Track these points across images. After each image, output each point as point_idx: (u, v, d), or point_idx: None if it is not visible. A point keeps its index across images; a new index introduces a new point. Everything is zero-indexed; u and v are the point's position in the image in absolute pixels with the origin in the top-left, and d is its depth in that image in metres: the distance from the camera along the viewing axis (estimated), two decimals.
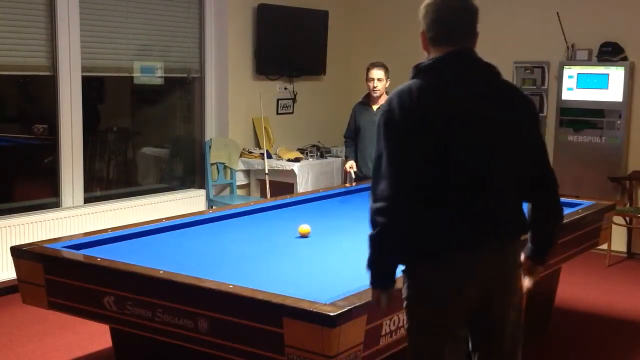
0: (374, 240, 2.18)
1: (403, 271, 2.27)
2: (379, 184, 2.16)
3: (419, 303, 2.25)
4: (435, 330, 2.25)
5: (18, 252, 3.28)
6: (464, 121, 2.17)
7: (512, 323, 2.35)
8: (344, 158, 5.99)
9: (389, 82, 5.47)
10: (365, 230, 2.21)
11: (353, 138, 5.73)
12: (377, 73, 5.45)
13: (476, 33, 2.28)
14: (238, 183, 6.67)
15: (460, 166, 2.16)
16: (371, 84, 5.48)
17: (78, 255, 3.24)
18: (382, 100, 5.30)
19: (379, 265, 2.21)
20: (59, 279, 3.16)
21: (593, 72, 6.25)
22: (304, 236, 3.71)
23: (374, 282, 2.24)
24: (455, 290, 2.21)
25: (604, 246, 5.50)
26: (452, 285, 2.20)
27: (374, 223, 2.17)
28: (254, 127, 6.79)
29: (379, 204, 2.15)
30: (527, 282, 2.45)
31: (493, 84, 2.27)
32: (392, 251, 2.19)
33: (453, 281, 2.20)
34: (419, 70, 2.23)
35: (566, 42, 6.40)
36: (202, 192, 6.37)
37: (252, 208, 4.34)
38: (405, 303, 2.28)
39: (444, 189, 2.17)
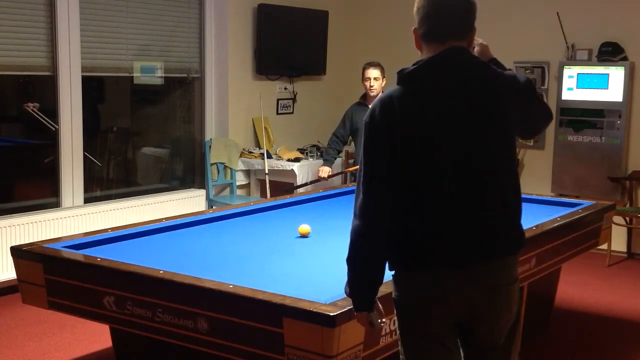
0: (349, 263, 2.14)
1: (392, 275, 2.21)
2: (357, 198, 2.11)
3: (404, 308, 2.19)
4: (420, 336, 2.17)
5: (18, 252, 3.28)
6: (447, 131, 2.08)
7: (503, 343, 2.23)
8: (322, 159, 5.97)
9: (385, 81, 5.47)
10: None
11: (340, 140, 5.76)
12: (373, 72, 5.46)
13: (472, 29, 2.17)
14: (238, 183, 6.67)
15: (446, 180, 2.07)
16: (368, 84, 5.49)
17: (78, 255, 3.24)
18: None
19: (357, 289, 2.16)
20: (59, 279, 3.16)
21: (593, 72, 6.25)
22: (304, 236, 3.71)
23: (355, 305, 2.19)
24: (439, 303, 2.12)
25: (604, 246, 5.50)
26: (435, 299, 2.12)
27: (350, 243, 2.12)
28: (254, 127, 6.79)
29: (355, 222, 2.10)
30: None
31: (481, 85, 2.13)
32: (369, 274, 2.13)
33: (437, 296, 2.12)
34: (402, 77, 2.13)
35: (566, 42, 6.40)
36: (202, 192, 6.37)
37: (252, 208, 4.34)
38: (393, 304, 2.22)
39: (427, 202, 2.09)
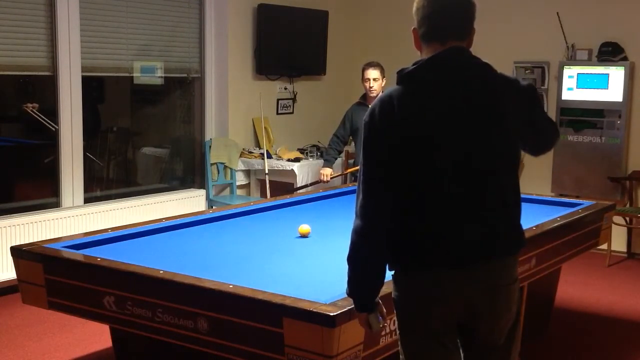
0: (350, 263, 2.14)
1: (392, 274, 2.21)
2: (358, 198, 2.12)
3: (404, 308, 2.18)
4: (420, 336, 2.17)
5: (18, 252, 3.28)
6: (446, 131, 2.07)
7: (503, 343, 2.23)
8: (323, 160, 5.98)
9: (385, 81, 5.47)
10: None
11: (341, 140, 5.76)
12: (373, 73, 5.45)
13: (472, 30, 2.17)
14: (238, 183, 6.67)
15: (446, 180, 2.07)
16: (367, 84, 5.49)
17: (78, 255, 3.24)
18: None
19: (357, 289, 2.16)
20: (59, 279, 3.16)
21: (593, 72, 6.25)
22: (304, 236, 3.71)
23: (356, 306, 2.19)
24: (439, 303, 2.12)
25: (604, 246, 5.50)
26: (435, 299, 2.12)
27: (350, 243, 2.12)
28: (254, 127, 6.79)
29: (356, 222, 2.11)
30: None
31: (481, 85, 2.13)
32: (369, 274, 2.14)
33: (437, 296, 2.12)
34: (402, 77, 2.13)
35: (566, 42, 6.40)
36: (202, 192, 6.37)
37: (252, 208, 4.34)
38: (393, 304, 2.22)
39: (427, 202, 2.09)
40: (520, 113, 2.18)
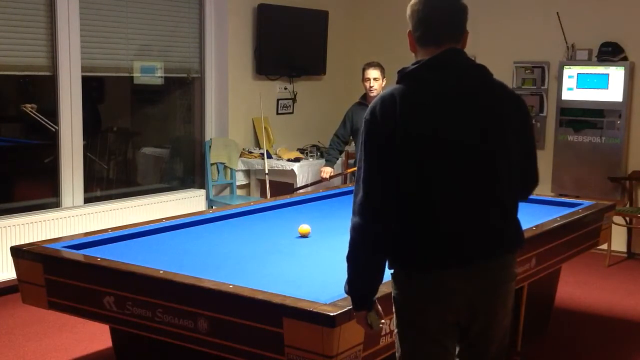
0: (349, 261, 2.14)
1: (391, 273, 2.21)
2: (356, 195, 2.12)
3: (403, 306, 2.19)
4: (418, 334, 2.17)
5: (18, 252, 3.28)
6: (447, 130, 2.08)
7: (497, 340, 2.24)
8: (324, 160, 5.99)
9: (385, 81, 5.47)
10: None
11: (342, 140, 5.77)
12: (373, 73, 5.45)
13: (465, 32, 2.20)
14: (238, 183, 6.67)
15: (444, 178, 2.08)
16: (368, 84, 5.49)
17: (78, 255, 3.24)
18: None
19: (356, 286, 2.16)
20: (59, 279, 3.16)
21: (593, 72, 6.25)
22: (304, 236, 3.71)
23: (354, 304, 2.20)
24: (439, 302, 2.13)
25: (604, 246, 5.50)
26: (434, 298, 2.12)
27: (350, 241, 2.12)
28: (254, 127, 6.79)
29: (355, 220, 2.10)
30: None
31: (480, 85, 2.16)
32: (368, 272, 2.14)
33: (436, 295, 2.12)
34: (403, 76, 2.15)
35: (566, 42, 6.40)
36: (202, 192, 6.37)
37: (252, 208, 4.34)
38: (393, 302, 2.23)
39: (427, 201, 2.09)
40: (517, 121, 2.19)
